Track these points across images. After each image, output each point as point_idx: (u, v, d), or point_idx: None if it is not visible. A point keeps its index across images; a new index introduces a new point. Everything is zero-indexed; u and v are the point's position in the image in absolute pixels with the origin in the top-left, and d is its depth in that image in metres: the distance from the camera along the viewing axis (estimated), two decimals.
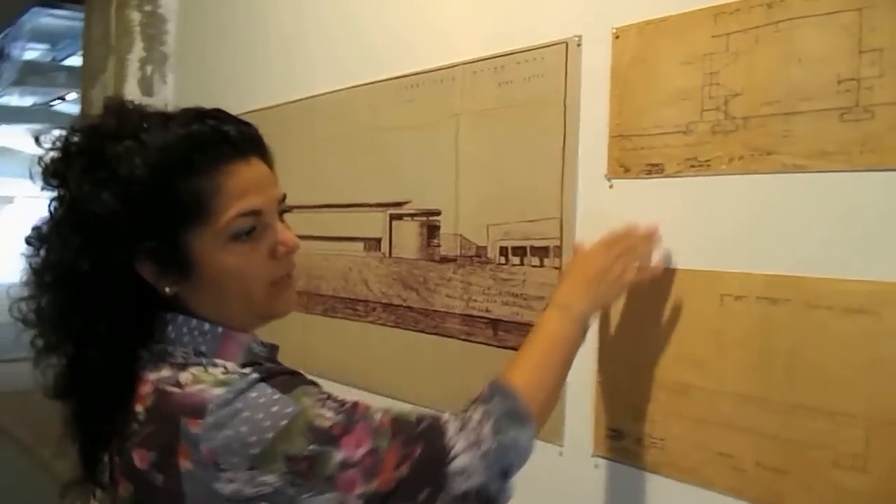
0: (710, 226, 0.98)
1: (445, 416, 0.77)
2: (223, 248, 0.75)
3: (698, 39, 0.99)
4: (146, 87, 2.27)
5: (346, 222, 1.57)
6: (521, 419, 0.78)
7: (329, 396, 0.75)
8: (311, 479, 0.68)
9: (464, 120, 1.31)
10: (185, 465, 0.69)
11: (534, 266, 1.18)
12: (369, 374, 1.50)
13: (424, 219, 1.38)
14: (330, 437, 0.69)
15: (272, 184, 0.82)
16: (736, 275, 0.95)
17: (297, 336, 1.71)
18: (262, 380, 0.72)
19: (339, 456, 0.69)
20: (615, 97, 1.08)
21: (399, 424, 0.73)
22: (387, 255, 1.47)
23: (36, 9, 7.80)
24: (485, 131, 1.27)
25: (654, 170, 1.04)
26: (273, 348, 0.87)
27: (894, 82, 0.82)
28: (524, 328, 1.19)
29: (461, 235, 1.30)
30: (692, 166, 1.00)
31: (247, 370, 0.74)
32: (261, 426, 0.68)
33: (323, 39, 1.69)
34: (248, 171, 0.78)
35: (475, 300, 1.27)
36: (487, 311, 1.25)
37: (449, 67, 1.33)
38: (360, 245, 1.53)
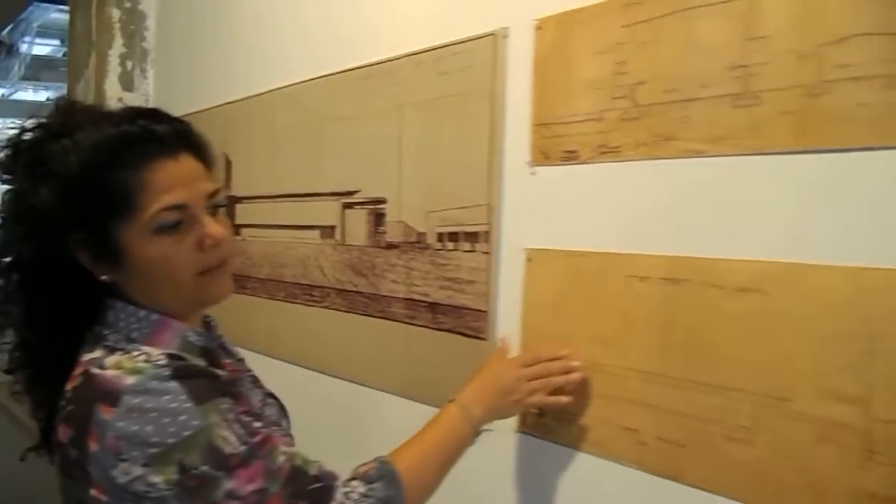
0: (619, 209, 1.02)
1: (339, 482, 0.80)
2: (150, 239, 0.79)
3: (609, 30, 1.02)
4: (126, 82, 2.33)
5: (304, 211, 1.62)
6: None
7: (239, 421, 0.76)
8: (195, 499, 0.71)
9: (407, 110, 1.35)
10: (93, 446, 0.73)
11: (466, 251, 1.22)
12: (326, 358, 1.56)
13: (372, 207, 1.43)
14: (225, 464, 0.72)
15: (201, 179, 0.84)
16: (641, 256, 0.98)
17: (262, 322, 1.77)
18: (178, 377, 0.75)
19: (228, 485, 0.71)
20: (537, 87, 1.12)
21: (295, 475, 0.76)
22: (340, 242, 1.52)
23: (44, 4, 7.93)
24: (425, 121, 1.31)
25: (571, 156, 1.07)
26: (211, 338, 0.89)
27: (779, 69, 0.85)
28: (458, 311, 1.23)
29: (404, 222, 1.35)
30: (603, 153, 1.03)
31: (163, 361, 0.76)
32: (165, 430, 0.71)
33: (281, 35, 1.74)
34: (175, 168, 0.80)
35: (416, 285, 1.32)
36: (427, 295, 1.29)
37: (394, 59, 1.37)
38: (318, 233, 1.58)
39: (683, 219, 0.94)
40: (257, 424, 0.78)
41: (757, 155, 0.87)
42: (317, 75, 1.59)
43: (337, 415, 1.52)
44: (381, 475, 0.83)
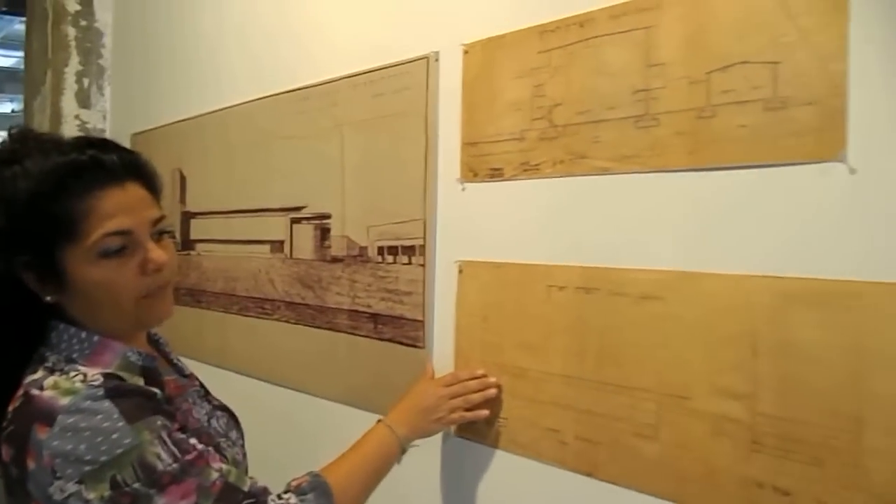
0: (540, 223, 1.08)
1: (271, 496, 0.84)
2: (94, 264, 0.82)
3: (527, 55, 1.09)
4: (83, 99, 2.35)
5: (255, 226, 1.67)
6: None
7: (173, 438, 0.78)
8: None
9: (346, 130, 1.41)
10: (31, 465, 0.76)
11: (404, 264, 1.28)
12: (276, 369, 1.60)
13: (318, 222, 1.48)
14: (157, 481, 0.74)
15: (147, 206, 0.86)
16: (559, 267, 1.05)
17: (215, 335, 1.81)
18: (111, 396, 0.77)
19: (160, 501, 0.74)
20: (465, 108, 1.18)
21: (227, 491, 0.79)
22: (289, 256, 1.56)
23: (8, 16, 7.85)
24: (364, 140, 1.37)
25: (496, 174, 1.14)
26: (152, 358, 0.91)
27: (674, 93, 0.93)
28: (397, 321, 1.29)
29: (348, 237, 1.40)
30: (525, 170, 1.10)
31: (98, 381, 0.79)
32: (98, 449, 0.74)
33: (229, 56, 1.79)
34: (120, 195, 0.83)
35: (359, 296, 1.37)
36: (369, 306, 1.35)
37: (333, 81, 1.43)
38: (268, 247, 1.63)
39: (595, 231, 1.01)
40: (193, 441, 0.81)
41: (656, 172, 0.94)
42: (263, 95, 1.64)
43: (285, 423, 1.57)
44: (314, 487, 0.88)
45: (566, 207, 1.05)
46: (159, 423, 0.78)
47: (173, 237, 0.91)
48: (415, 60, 1.26)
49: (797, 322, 0.82)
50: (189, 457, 0.78)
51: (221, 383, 1.78)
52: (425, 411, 1.08)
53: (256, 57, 1.69)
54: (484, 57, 1.16)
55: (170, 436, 0.78)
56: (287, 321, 1.56)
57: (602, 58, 1.01)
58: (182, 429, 0.83)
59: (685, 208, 0.92)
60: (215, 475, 0.79)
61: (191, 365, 1.83)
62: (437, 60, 1.23)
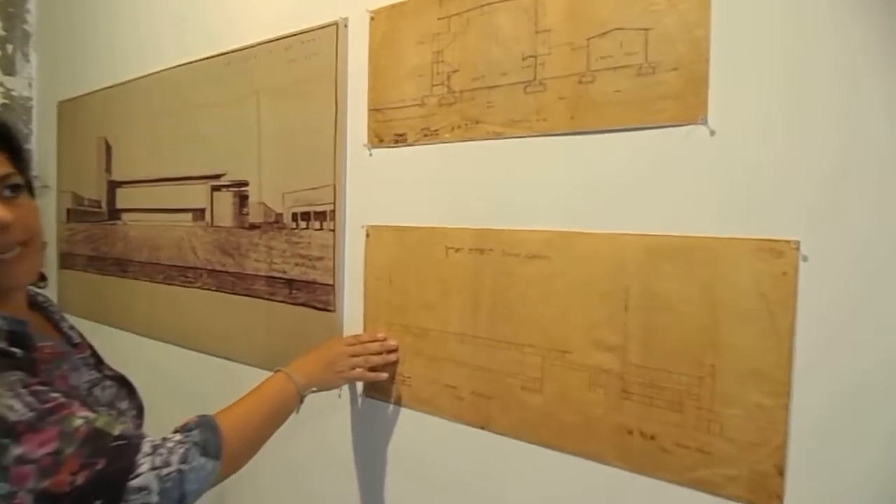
0: (439, 187, 1.11)
1: (147, 437, 0.80)
2: None
3: (428, 21, 1.11)
4: (7, 65, 2.28)
5: (178, 194, 1.66)
6: (210, 453, 0.84)
7: (31, 391, 0.76)
8: None
9: (263, 96, 1.41)
10: None
11: (316, 229, 1.29)
12: (200, 337, 1.61)
13: (237, 189, 1.48)
14: (10, 431, 0.72)
15: None
16: (456, 230, 1.08)
17: (143, 305, 1.80)
18: None
19: (17, 450, 0.71)
20: (371, 74, 1.20)
21: (93, 435, 0.75)
22: (210, 224, 1.56)
23: None
24: (278, 107, 1.37)
25: (400, 139, 1.16)
26: (21, 323, 0.87)
27: (558, 59, 0.95)
28: (310, 286, 1.31)
29: (265, 204, 1.41)
30: (426, 135, 1.12)
31: None
32: None
33: (154, 20, 1.76)
34: None
35: (275, 262, 1.39)
36: (284, 272, 1.37)
37: (250, 47, 1.43)
38: (190, 216, 1.63)
39: (488, 194, 1.04)
40: (55, 395, 0.77)
41: (542, 136, 0.98)
42: (187, 61, 1.62)
43: (208, 391, 1.58)
44: (199, 424, 0.87)
45: (462, 172, 1.07)
46: (15, 377, 0.76)
47: (30, 193, 0.88)
48: (325, 26, 1.27)
49: (662, 277, 0.86)
50: (47, 405, 0.75)
51: (146, 352, 1.79)
52: (326, 363, 1.12)
53: (181, 21, 1.66)
54: (388, 23, 1.17)
55: (26, 387, 0.76)
56: (209, 289, 1.57)
57: (495, 24, 1.03)
58: (42, 383, 0.79)
59: (567, 171, 0.95)
60: (79, 422, 0.76)
61: (119, 335, 1.83)
62: (346, 26, 1.24)
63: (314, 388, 1.08)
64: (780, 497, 0.77)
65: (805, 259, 0.76)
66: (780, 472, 0.77)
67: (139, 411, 0.99)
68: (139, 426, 0.96)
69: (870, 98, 0.72)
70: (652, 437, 0.88)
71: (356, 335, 1.19)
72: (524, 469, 1.00)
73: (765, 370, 0.78)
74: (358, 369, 1.14)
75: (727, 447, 0.81)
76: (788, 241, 0.77)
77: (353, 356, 1.14)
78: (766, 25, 0.78)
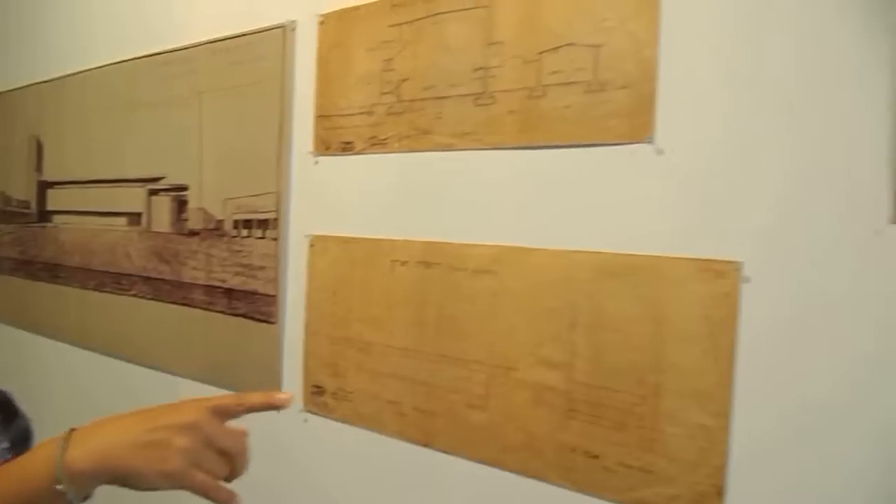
0: (386, 198, 1.08)
1: None
2: None
3: (379, 28, 1.09)
4: None
5: (113, 197, 1.58)
6: None
7: None
8: None
9: (206, 98, 1.35)
10: None
11: (258, 238, 1.25)
12: (134, 348, 1.53)
13: (176, 194, 1.42)
14: None
15: None
16: (402, 242, 1.06)
17: (74, 312, 1.71)
18: None
19: None
20: (319, 80, 1.16)
21: None
22: (146, 229, 1.50)
23: None
24: (222, 109, 1.33)
25: (347, 147, 1.13)
26: None
27: (510, 72, 0.94)
28: (251, 296, 1.26)
29: (204, 209, 1.36)
30: (374, 144, 1.09)
31: None
32: None
33: (91, 14, 1.68)
34: None
35: (215, 271, 1.33)
36: (224, 281, 1.31)
37: (192, 47, 1.37)
38: (125, 220, 1.55)
39: (436, 207, 1.03)
40: None
41: (492, 150, 0.96)
42: (124, 58, 1.55)
43: (140, 405, 1.50)
44: None
45: (411, 183, 1.05)
46: None
47: None
48: (272, 29, 1.23)
49: (609, 295, 0.86)
50: None
51: (78, 364, 1.69)
52: (154, 441, 0.57)
53: (119, 16, 1.59)
54: (339, 28, 1.14)
55: None
56: (144, 297, 1.50)
57: (447, 34, 1.01)
58: None
59: (517, 185, 0.94)
60: None
61: (47, 345, 1.74)
62: (293, 30, 1.20)
63: (100, 479, 0.56)
64: None
65: (747, 280, 0.76)
66: (720, 493, 0.77)
67: (21, 440, 0.75)
68: (8, 449, 0.75)
69: (815, 121, 0.73)
70: (595, 456, 0.87)
71: (239, 395, 0.64)
72: (467, 488, 0.98)
73: (707, 390, 0.79)
74: (203, 474, 0.57)
75: (669, 467, 0.81)
76: (731, 262, 0.77)
77: (207, 447, 0.58)
78: (714, 47, 0.79)
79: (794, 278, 0.74)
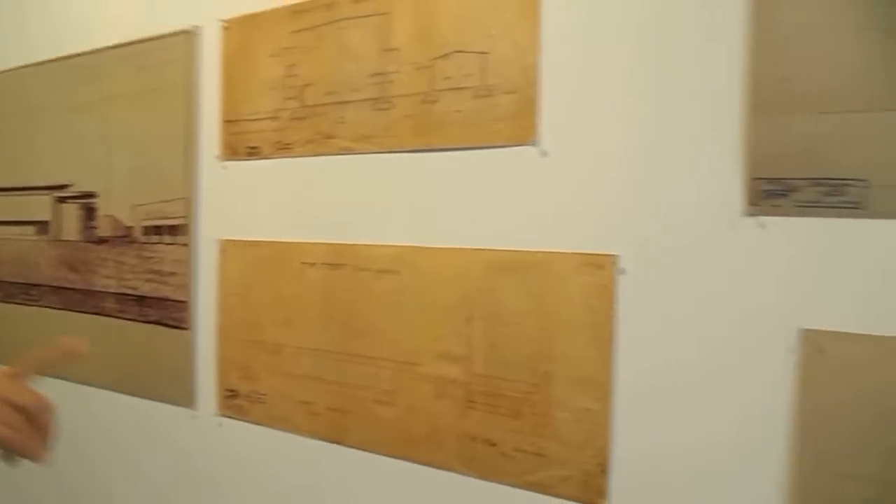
0: (293, 201, 1.10)
1: None
2: None
3: (281, 34, 1.10)
4: None
5: (18, 206, 1.54)
6: None
7: None
8: None
9: (113, 103, 1.34)
10: None
11: (168, 244, 1.24)
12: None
13: (84, 201, 1.39)
14: None
15: None
16: (310, 244, 1.08)
17: None
18: None
19: None
20: (225, 85, 1.17)
21: None
22: (55, 237, 1.46)
23: None
24: (129, 115, 1.31)
25: (254, 152, 1.14)
26: None
27: (405, 78, 0.98)
28: (163, 303, 1.25)
29: (114, 216, 1.34)
30: (279, 149, 1.11)
31: None
32: None
33: None
34: None
35: (126, 279, 1.32)
36: (135, 288, 1.30)
37: (99, 51, 1.35)
38: (33, 229, 1.51)
39: (341, 209, 1.05)
40: None
41: (391, 153, 0.99)
42: (30, 62, 1.51)
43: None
44: None
45: (316, 186, 1.07)
46: None
47: None
48: (177, 34, 1.22)
49: (501, 290, 0.90)
50: None
51: None
52: None
53: (23, 18, 1.55)
54: (242, 34, 1.15)
55: None
56: (54, 307, 1.46)
57: (347, 40, 1.04)
58: None
59: (414, 187, 0.97)
60: None
61: None
62: (198, 35, 1.20)
63: None
64: (603, 494, 0.83)
65: (623, 272, 0.82)
66: (604, 471, 0.83)
67: None
68: None
69: (674, 120, 0.79)
70: (494, 444, 0.91)
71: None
72: (377, 481, 1.01)
73: (591, 376, 0.84)
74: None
75: (560, 450, 0.86)
76: (608, 255, 0.83)
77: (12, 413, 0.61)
78: (590, 53, 0.84)
79: (661, 270, 0.80)
